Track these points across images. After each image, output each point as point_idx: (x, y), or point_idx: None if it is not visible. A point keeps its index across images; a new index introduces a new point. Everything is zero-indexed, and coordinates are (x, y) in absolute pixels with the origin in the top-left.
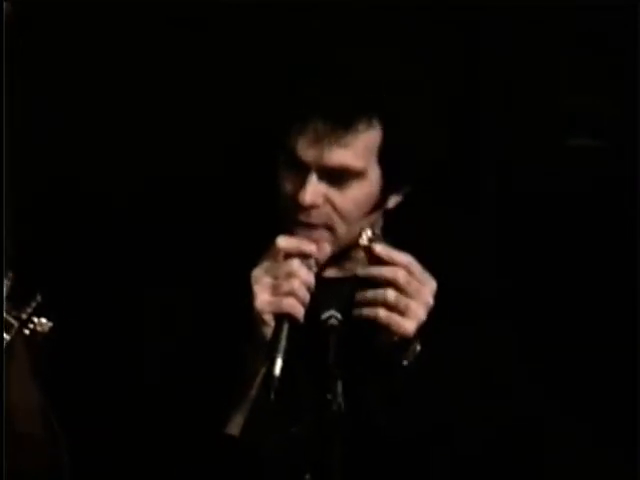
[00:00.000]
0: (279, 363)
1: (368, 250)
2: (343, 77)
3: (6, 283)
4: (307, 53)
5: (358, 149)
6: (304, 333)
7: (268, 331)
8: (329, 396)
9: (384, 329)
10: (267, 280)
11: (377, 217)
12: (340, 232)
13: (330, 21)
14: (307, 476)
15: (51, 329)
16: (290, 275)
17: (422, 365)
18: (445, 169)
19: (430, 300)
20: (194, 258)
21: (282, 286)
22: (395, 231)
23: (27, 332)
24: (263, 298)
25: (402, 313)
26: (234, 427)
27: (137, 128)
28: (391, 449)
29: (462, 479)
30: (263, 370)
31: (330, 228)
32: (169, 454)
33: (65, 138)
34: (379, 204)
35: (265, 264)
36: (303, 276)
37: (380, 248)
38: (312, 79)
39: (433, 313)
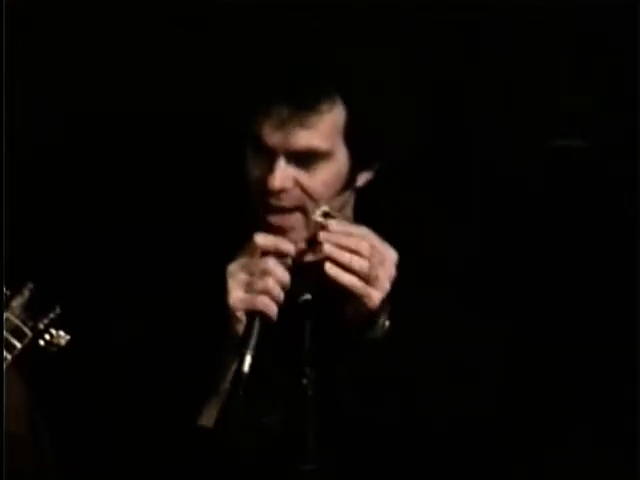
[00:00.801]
0: (248, 360)
1: (323, 227)
2: (302, 60)
3: (25, 293)
4: (272, 41)
5: (323, 130)
6: (276, 321)
7: (240, 327)
8: (305, 381)
9: (355, 300)
10: (242, 276)
11: (349, 196)
12: (309, 213)
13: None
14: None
15: (68, 342)
16: (265, 273)
17: (392, 341)
18: (421, 153)
19: (393, 271)
20: (170, 252)
21: (256, 283)
22: (369, 215)
23: (42, 343)
24: (237, 294)
25: (371, 283)
26: (208, 419)
27: (134, 126)
28: (362, 427)
29: (436, 460)
30: (234, 366)
31: (303, 210)
32: (145, 446)
33: (65, 138)
34: (349, 183)
35: (241, 260)
36: (278, 274)
37: (336, 224)
38: (272, 64)
39: (407, 289)
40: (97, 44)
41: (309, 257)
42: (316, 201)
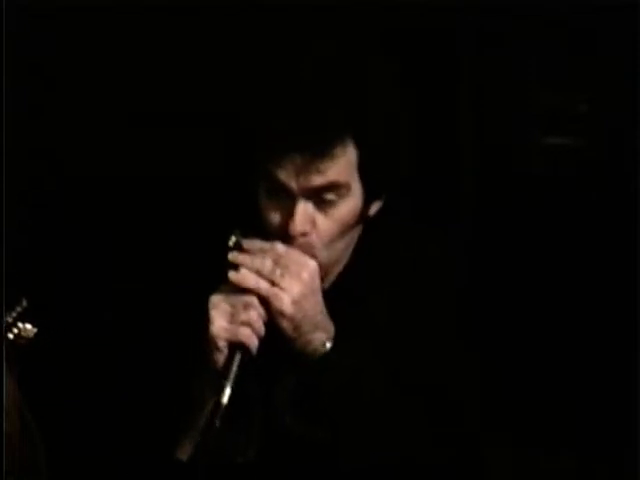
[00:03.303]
0: (227, 392)
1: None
2: (310, 105)
3: None
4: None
5: (339, 170)
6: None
7: (220, 358)
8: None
9: (268, 307)
10: (225, 307)
11: (356, 232)
12: (319, 257)
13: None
14: None
15: (36, 335)
16: (249, 306)
17: (331, 361)
18: (420, 170)
19: (304, 276)
20: (160, 273)
21: (240, 315)
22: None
23: (11, 336)
24: (219, 324)
25: (279, 287)
26: (183, 452)
27: (133, 129)
28: (303, 451)
29: None
30: (212, 397)
31: (311, 255)
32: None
33: (65, 137)
34: (362, 217)
35: (225, 290)
36: (261, 309)
37: (247, 243)
38: (281, 113)
39: (356, 308)
40: (97, 45)
41: None
42: (326, 244)
